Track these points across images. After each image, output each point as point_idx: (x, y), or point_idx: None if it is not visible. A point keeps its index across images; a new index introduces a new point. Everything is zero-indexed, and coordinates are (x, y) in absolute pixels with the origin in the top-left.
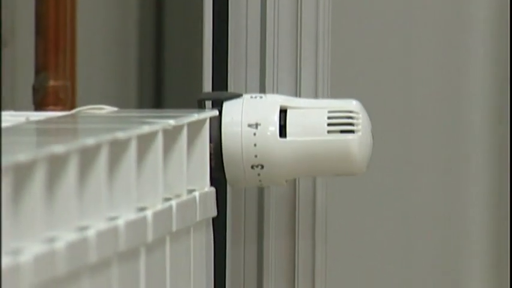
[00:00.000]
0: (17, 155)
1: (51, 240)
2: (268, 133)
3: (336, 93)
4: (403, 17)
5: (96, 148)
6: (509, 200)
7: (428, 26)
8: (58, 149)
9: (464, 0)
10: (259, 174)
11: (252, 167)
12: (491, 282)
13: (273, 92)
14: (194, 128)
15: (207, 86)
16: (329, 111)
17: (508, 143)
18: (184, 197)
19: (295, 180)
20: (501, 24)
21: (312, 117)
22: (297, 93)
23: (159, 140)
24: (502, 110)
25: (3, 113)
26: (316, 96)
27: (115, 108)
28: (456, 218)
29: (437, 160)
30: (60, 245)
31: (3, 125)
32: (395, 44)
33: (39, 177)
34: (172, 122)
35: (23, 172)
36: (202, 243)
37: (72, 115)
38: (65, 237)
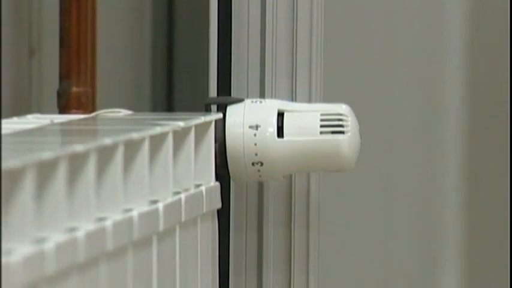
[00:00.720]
0: (41, 153)
1: (73, 230)
2: (267, 134)
3: (327, 98)
4: (385, 34)
5: (113, 147)
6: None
7: (409, 40)
8: (78, 148)
9: (442, 16)
10: (259, 171)
11: (253, 164)
12: (463, 266)
13: (271, 97)
14: (201, 129)
15: (213, 91)
16: (321, 114)
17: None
18: (192, 190)
19: (291, 175)
20: (475, 38)
21: (306, 119)
22: (292, 98)
23: (170, 140)
24: (474, 112)
25: (31, 116)
26: (310, 100)
27: (130, 112)
28: (432, 207)
29: (416, 157)
30: (81, 234)
31: (31, 126)
32: (379, 55)
33: (61, 173)
34: (181, 123)
35: (46, 169)
36: (208, 232)
37: (92, 118)
38: (85, 227)
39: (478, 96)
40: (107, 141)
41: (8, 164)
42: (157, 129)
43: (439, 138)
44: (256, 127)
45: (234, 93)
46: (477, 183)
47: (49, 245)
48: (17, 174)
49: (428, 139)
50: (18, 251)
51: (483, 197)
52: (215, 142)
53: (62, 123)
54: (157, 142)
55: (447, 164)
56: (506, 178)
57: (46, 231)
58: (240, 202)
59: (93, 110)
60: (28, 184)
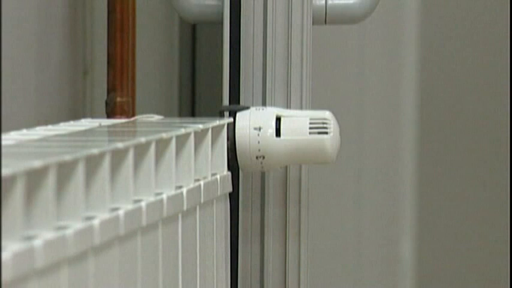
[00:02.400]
0: (91, 150)
1: (115, 209)
2: (268, 134)
3: (314, 106)
4: (357, 58)
5: (147, 144)
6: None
7: (375, 59)
8: (120, 145)
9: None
10: (261, 163)
11: (257, 157)
12: (418, 239)
13: (271, 105)
14: (216, 131)
15: (225, 101)
16: (310, 119)
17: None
18: (209, 178)
19: (286, 167)
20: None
21: (298, 123)
22: (287, 106)
23: (192, 139)
24: (424, 117)
25: (84, 120)
26: (301, 108)
27: (161, 117)
28: (392, 188)
29: (380, 152)
30: (122, 212)
31: (84, 128)
32: (352, 76)
33: (106, 165)
34: (201, 126)
35: (94, 162)
36: (222, 211)
37: (132, 122)
38: (125, 206)
39: (428, 104)
40: (142, 140)
41: (62, 157)
42: (182, 130)
43: (397, 137)
44: (259, 129)
45: (241, 102)
46: (427, 173)
47: (96, 222)
48: (70, 165)
49: (389, 137)
50: (70, 229)
51: (431, 183)
52: (227, 140)
53: (108, 126)
54: (182, 140)
55: (403, 155)
56: (454, 170)
57: (93, 211)
58: (247, 187)
59: (132, 115)
60: (80, 173)
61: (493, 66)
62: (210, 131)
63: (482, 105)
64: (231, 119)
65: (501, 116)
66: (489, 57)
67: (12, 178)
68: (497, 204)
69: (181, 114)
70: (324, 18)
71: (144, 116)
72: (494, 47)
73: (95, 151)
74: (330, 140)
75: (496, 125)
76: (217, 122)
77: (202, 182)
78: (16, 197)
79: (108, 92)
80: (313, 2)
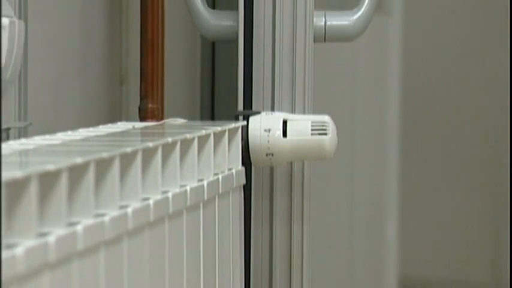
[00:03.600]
0: (124, 148)
1: (146, 199)
2: (276, 135)
3: (315, 111)
4: (349, 73)
5: (173, 144)
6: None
7: (365, 72)
8: (150, 144)
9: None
10: (270, 159)
11: (266, 154)
12: (401, 223)
13: (278, 111)
14: (232, 132)
15: (240, 106)
16: (312, 122)
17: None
18: (226, 172)
19: (291, 162)
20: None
21: (301, 125)
22: (292, 111)
23: (211, 139)
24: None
25: (120, 123)
26: (304, 112)
27: (186, 120)
28: (377, 177)
29: (369, 149)
30: (152, 201)
31: (120, 130)
32: (345, 85)
33: (138, 161)
34: (219, 128)
35: (128, 159)
36: (237, 200)
37: (161, 124)
38: (155, 197)
39: (409, 109)
40: (169, 139)
41: (100, 155)
42: (203, 132)
43: (383, 138)
44: (269, 130)
45: (253, 108)
46: (408, 169)
47: (129, 209)
48: (108, 162)
49: (376, 138)
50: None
51: (411, 178)
52: (241, 140)
53: (140, 128)
54: (203, 140)
55: (388, 153)
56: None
57: (127, 201)
58: (258, 180)
59: (161, 119)
60: (116, 169)
61: (463, 72)
62: (227, 132)
63: (454, 104)
64: (245, 122)
65: (473, 113)
66: (461, 63)
67: (57, 172)
68: (469, 195)
69: (202, 118)
70: (324, 36)
71: (171, 119)
72: (466, 59)
73: (129, 149)
74: (329, 140)
75: (468, 122)
76: (233, 125)
77: (220, 176)
78: (61, 190)
79: (141, 99)
80: (314, 23)
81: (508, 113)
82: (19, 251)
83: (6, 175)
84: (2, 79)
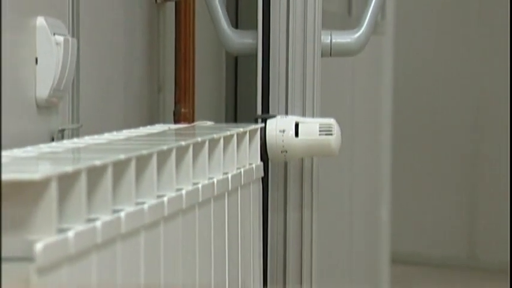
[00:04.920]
0: (161, 146)
1: (179, 190)
2: (289, 135)
3: (323, 115)
4: (349, 81)
5: (202, 143)
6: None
7: (362, 81)
8: (183, 143)
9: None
10: (285, 156)
11: (281, 151)
12: (392, 207)
13: (291, 114)
14: (252, 133)
15: (259, 111)
16: (320, 124)
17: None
18: (247, 166)
19: (302, 158)
20: None
21: (311, 127)
22: (303, 115)
23: (235, 139)
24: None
25: (158, 125)
26: (313, 116)
27: (213, 123)
28: (374, 170)
29: (366, 147)
30: (185, 191)
31: (157, 131)
32: (346, 93)
33: (173, 158)
34: (241, 129)
35: (164, 155)
36: (256, 190)
37: (192, 126)
38: (187, 188)
39: (400, 113)
40: (199, 139)
41: (140, 152)
42: (228, 132)
43: (377, 138)
44: (283, 131)
45: (270, 112)
46: (398, 164)
47: (181, 193)
48: (147, 158)
49: (372, 138)
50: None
51: (401, 171)
52: (260, 140)
53: (175, 129)
54: (228, 139)
55: (382, 151)
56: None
57: (164, 191)
58: (274, 173)
59: (192, 121)
60: (154, 164)
61: (444, 80)
62: (248, 133)
63: (437, 108)
64: (263, 124)
65: (453, 116)
66: (443, 68)
67: (103, 167)
68: (449, 186)
69: (227, 121)
70: (330, 52)
71: (201, 122)
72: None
73: (165, 147)
74: (334, 140)
75: (450, 123)
76: (253, 126)
77: (242, 170)
78: (107, 182)
79: (175, 105)
80: (322, 40)
81: (508, 113)
82: (70, 234)
83: (59, 169)
84: (58, 89)
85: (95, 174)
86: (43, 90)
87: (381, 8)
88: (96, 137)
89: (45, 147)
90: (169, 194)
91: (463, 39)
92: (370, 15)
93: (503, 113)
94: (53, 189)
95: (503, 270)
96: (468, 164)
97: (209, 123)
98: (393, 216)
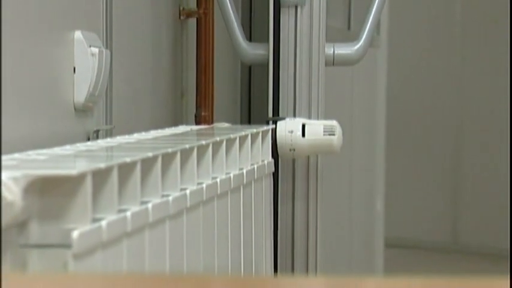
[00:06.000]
0: (185, 145)
1: (200, 183)
2: (297, 135)
3: (326, 117)
4: (348, 88)
5: (221, 142)
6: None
7: (360, 88)
8: (203, 142)
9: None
10: (293, 153)
11: (290, 150)
12: (385, 199)
13: (299, 117)
14: (264, 133)
15: (270, 114)
16: (323, 125)
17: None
18: (260, 163)
19: (308, 155)
20: None
21: (316, 128)
22: (309, 117)
23: (249, 138)
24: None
25: (181, 126)
26: (318, 118)
27: (229, 124)
28: (369, 163)
29: (363, 146)
30: (205, 185)
31: (181, 131)
32: (346, 100)
33: (193, 158)
34: (254, 130)
35: (187, 153)
36: (268, 183)
37: (211, 127)
38: (207, 181)
39: (393, 117)
40: (217, 138)
41: (166, 150)
42: (243, 133)
43: (373, 138)
44: (292, 132)
45: (280, 115)
46: (391, 160)
47: (205, 185)
48: (172, 155)
49: (368, 137)
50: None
51: (394, 163)
52: (271, 139)
53: (196, 130)
54: (243, 139)
55: (377, 148)
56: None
57: (187, 184)
58: (283, 168)
59: (211, 123)
60: (178, 161)
61: (431, 87)
62: (260, 133)
63: (425, 111)
64: (274, 126)
65: (439, 118)
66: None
67: (133, 163)
68: (435, 181)
69: (242, 122)
70: (332, 61)
71: (219, 123)
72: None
73: (187, 146)
74: (336, 139)
75: (436, 125)
76: (265, 128)
77: (255, 166)
78: (136, 176)
79: (196, 108)
80: (326, 51)
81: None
82: (103, 223)
83: (94, 165)
84: (94, 94)
85: (125, 169)
86: (80, 96)
87: (377, 25)
88: (126, 136)
89: (81, 146)
90: (191, 188)
91: (447, 51)
92: (367, 31)
93: (482, 114)
94: (88, 184)
95: (482, 253)
96: (451, 165)
97: (226, 124)
98: (386, 206)
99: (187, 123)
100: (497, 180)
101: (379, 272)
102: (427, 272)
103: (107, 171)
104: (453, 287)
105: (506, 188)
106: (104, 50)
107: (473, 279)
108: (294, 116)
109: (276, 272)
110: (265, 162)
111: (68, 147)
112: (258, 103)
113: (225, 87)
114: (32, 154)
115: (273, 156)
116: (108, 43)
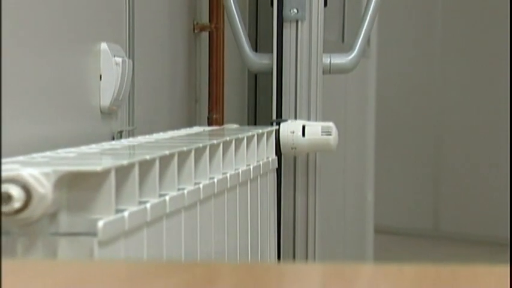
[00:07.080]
0: (198, 144)
1: (211, 178)
2: (298, 135)
3: (324, 119)
4: (341, 92)
5: (230, 141)
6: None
7: (353, 94)
8: (214, 141)
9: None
10: (294, 151)
11: (291, 148)
12: (375, 190)
13: (299, 119)
14: (269, 133)
15: (274, 116)
16: (321, 127)
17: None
18: (265, 160)
19: (307, 153)
20: None
21: (314, 129)
22: (309, 119)
23: (255, 138)
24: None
25: (195, 127)
26: (316, 120)
27: (238, 125)
28: (361, 159)
29: (355, 144)
30: (216, 179)
31: (194, 131)
32: (339, 103)
33: (206, 155)
34: (260, 131)
35: (200, 151)
36: (272, 178)
37: (222, 128)
38: (218, 176)
39: (381, 119)
40: (227, 138)
41: (181, 149)
42: (250, 133)
43: (364, 137)
44: (293, 132)
45: (283, 117)
46: (380, 155)
47: (218, 179)
48: (187, 153)
49: (360, 136)
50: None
51: (382, 160)
52: (275, 139)
53: (208, 131)
54: (250, 139)
55: (367, 147)
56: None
57: (200, 179)
58: (286, 165)
59: (222, 125)
60: (192, 158)
61: (416, 92)
62: (265, 133)
63: (410, 114)
64: (277, 127)
65: (422, 119)
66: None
67: (152, 160)
68: (418, 175)
69: (249, 124)
70: (329, 70)
71: (228, 125)
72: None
73: (201, 145)
74: (333, 139)
75: (421, 124)
76: (269, 128)
77: (261, 162)
78: (155, 172)
79: (209, 112)
80: (323, 61)
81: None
82: (126, 214)
83: (117, 162)
84: (118, 99)
85: (145, 166)
86: (106, 100)
87: (368, 37)
88: (147, 136)
89: (106, 145)
90: (204, 182)
91: (428, 60)
92: (360, 43)
93: (460, 114)
94: (112, 178)
95: (462, 239)
96: (433, 162)
97: (235, 126)
98: (376, 197)
99: (200, 124)
100: (475, 175)
101: (369, 255)
102: (411, 255)
103: (129, 167)
104: (459, 274)
105: (481, 180)
106: (127, 60)
107: (470, 266)
108: (295, 118)
109: (279, 256)
110: (270, 159)
111: (94, 146)
112: (263, 107)
113: (234, 92)
114: (62, 152)
115: (276, 153)
116: (130, 53)
